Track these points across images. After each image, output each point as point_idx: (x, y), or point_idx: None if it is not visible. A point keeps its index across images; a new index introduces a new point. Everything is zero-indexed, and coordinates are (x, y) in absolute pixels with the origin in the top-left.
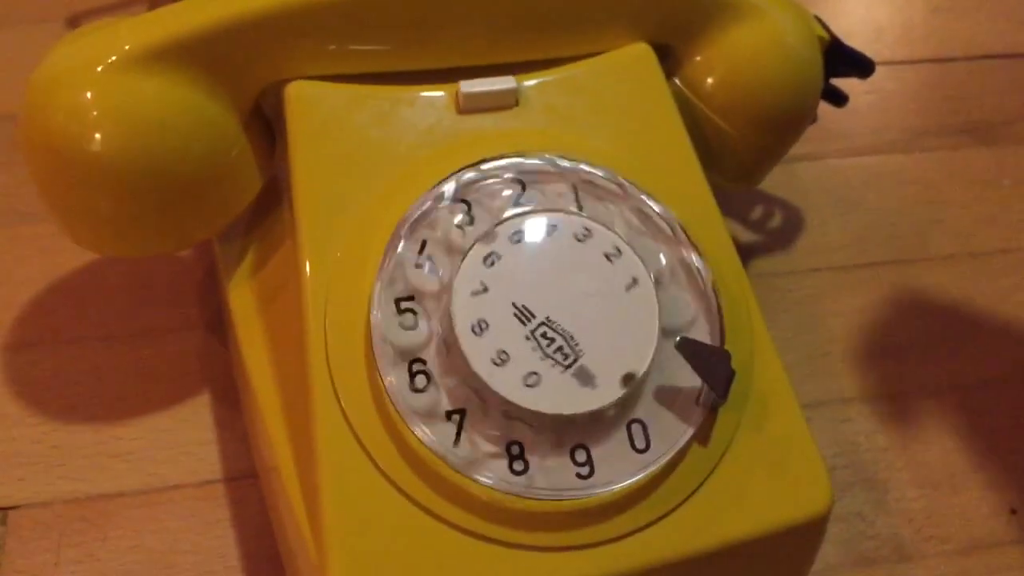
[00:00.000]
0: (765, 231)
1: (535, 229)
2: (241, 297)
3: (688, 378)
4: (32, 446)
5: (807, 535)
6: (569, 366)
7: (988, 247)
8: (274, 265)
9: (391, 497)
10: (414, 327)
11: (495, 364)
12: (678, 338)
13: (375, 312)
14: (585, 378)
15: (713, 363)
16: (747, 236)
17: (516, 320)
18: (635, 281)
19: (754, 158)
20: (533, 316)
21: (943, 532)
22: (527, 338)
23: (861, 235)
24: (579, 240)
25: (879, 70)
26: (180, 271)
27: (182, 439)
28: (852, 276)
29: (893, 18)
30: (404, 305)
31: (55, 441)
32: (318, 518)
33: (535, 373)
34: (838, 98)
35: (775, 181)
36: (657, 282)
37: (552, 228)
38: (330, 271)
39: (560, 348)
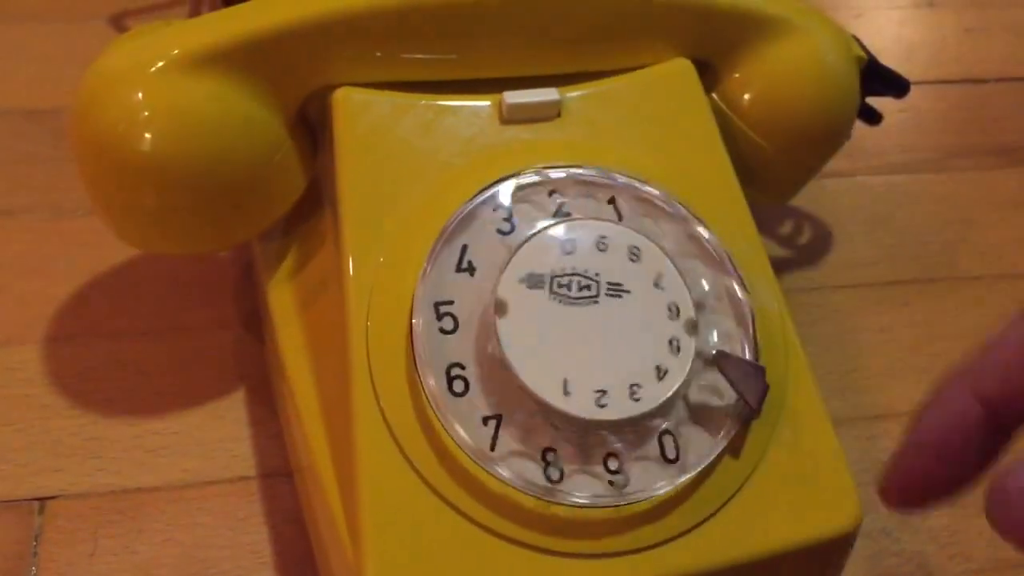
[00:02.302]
0: (794, 246)
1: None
2: (281, 297)
3: (722, 392)
4: (70, 438)
5: (835, 550)
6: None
7: (1017, 269)
8: (314, 267)
9: (427, 499)
10: (454, 332)
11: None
12: (714, 351)
13: (416, 317)
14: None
15: (748, 377)
16: (776, 251)
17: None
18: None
19: (789, 174)
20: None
21: (968, 551)
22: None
23: (890, 253)
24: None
25: (911, 89)
26: (216, 270)
27: (217, 435)
28: (880, 293)
29: (925, 37)
30: (444, 310)
31: (93, 434)
32: (355, 518)
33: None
34: (873, 117)
35: (805, 196)
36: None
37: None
38: (372, 275)
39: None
